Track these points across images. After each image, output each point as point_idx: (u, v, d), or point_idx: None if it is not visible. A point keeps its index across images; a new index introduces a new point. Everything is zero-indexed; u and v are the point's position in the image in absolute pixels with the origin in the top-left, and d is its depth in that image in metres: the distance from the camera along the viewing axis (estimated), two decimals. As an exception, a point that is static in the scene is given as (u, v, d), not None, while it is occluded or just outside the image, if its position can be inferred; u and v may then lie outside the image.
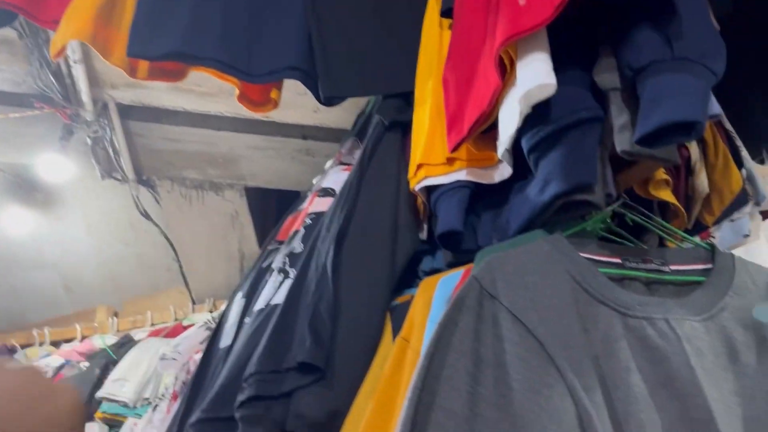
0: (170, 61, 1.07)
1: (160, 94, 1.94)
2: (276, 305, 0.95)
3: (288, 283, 0.96)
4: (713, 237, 1.00)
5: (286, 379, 0.80)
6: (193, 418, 0.86)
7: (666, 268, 0.74)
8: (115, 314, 3.13)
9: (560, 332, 0.64)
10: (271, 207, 2.85)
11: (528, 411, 0.58)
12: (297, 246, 1.06)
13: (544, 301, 0.66)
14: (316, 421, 0.77)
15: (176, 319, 2.92)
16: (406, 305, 0.86)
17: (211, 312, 2.71)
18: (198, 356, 1.40)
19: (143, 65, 1.14)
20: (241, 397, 0.80)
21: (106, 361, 2.62)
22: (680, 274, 0.74)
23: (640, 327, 0.66)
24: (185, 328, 2.68)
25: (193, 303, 2.96)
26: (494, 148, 0.81)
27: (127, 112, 2.13)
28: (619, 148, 0.68)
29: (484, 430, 0.58)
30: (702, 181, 0.89)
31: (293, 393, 0.80)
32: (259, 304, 1.01)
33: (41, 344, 3.03)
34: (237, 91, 1.17)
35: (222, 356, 1.03)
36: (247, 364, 0.87)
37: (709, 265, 0.75)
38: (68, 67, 1.83)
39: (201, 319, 2.71)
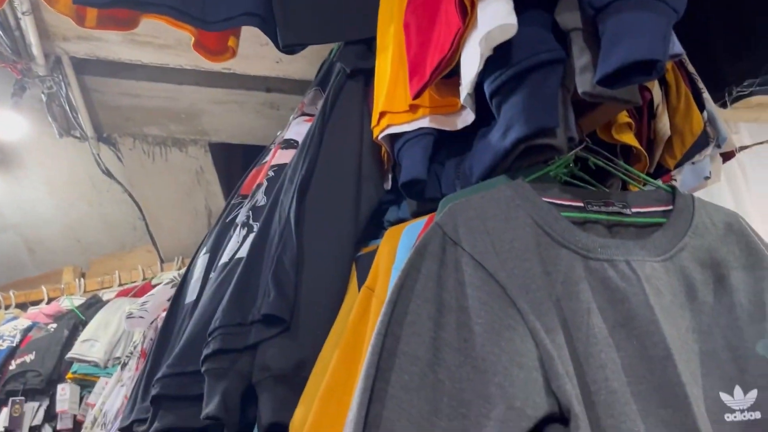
0: (118, 7, 1.02)
1: (115, 46, 1.86)
2: (240, 259, 0.94)
3: (252, 236, 0.95)
4: (675, 180, 1.00)
5: (251, 332, 0.80)
6: (159, 374, 0.86)
7: (627, 211, 0.75)
8: (82, 275, 3.09)
9: (522, 276, 0.64)
10: (236, 162, 2.80)
11: (489, 353, 0.58)
12: (260, 199, 1.05)
13: (506, 246, 0.66)
14: (282, 372, 0.77)
15: (145, 279, 2.89)
16: (372, 255, 0.86)
17: (180, 270, 2.69)
18: (164, 315, 1.39)
19: (91, 13, 1.09)
20: (206, 351, 0.79)
21: (74, 322, 2.60)
22: (641, 216, 0.75)
23: (601, 269, 0.67)
24: (154, 287, 2.65)
25: (162, 261, 2.93)
26: (457, 94, 0.79)
27: (82, 66, 2.04)
28: (580, 90, 0.67)
29: (446, 374, 0.59)
30: (664, 123, 0.89)
31: (258, 345, 0.79)
32: (224, 258, 1.00)
33: (7, 307, 2.99)
34: (192, 39, 1.13)
35: (187, 312, 1.02)
36: (212, 318, 0.86)
37: (669, 207, 0.76)
38: (16, 19, 1.74)
39: (169, 278, 2.68)
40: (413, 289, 0.64)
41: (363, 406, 0.56)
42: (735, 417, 0.63)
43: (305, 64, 1.94)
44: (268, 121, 2.36)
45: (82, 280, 2.99)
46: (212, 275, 1.02)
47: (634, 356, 0.62)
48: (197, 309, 0.97)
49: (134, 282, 2.91)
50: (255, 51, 1.85)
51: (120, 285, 2.90)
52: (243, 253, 0.95)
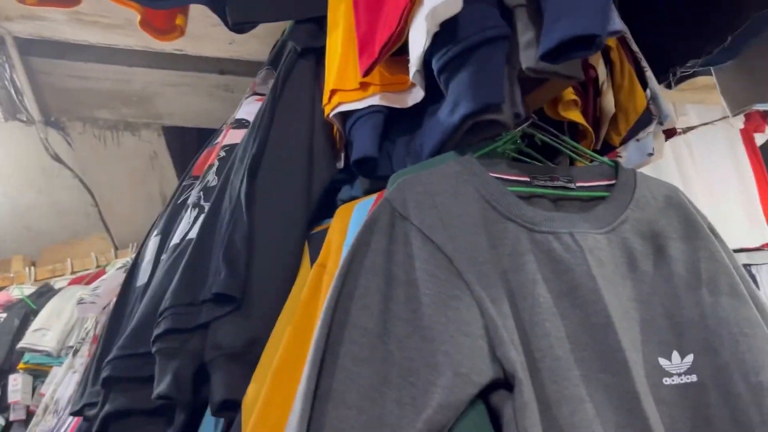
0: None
1: (60, 26, 1.80)
2: (191, 240, 0.93)
3: (203, 217, 0.94)
4: (620, 157, 1.03)
5: (202, 311, 0.79)
6: (110, 356, 0.84)
7: (572, 185, 0.77)
8: (32, 264, 3.01)
9: (468, 249, 0.65)
10: (190, 146, 2.75)
11: (436, 323, 0.59)
12: (211, 180, 1.03)
13: (453, 220, 0.67)
14: (234, 350, 0.77)
15: (98, 266, 2.84)
16: (324, 234, 0.86)
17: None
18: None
19: (33, -10, 1.05)
20: (157, 331, 0.79)
21: (25, 311, 2.54)
22: (585, 191, 0.77)
23: (546, 241, 0.69)
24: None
25: (116, 248, 2.87)
26: (407, 71, 0.80)
27: (27, 47, 1.97)
28: (524, 65, 0.68)
29: (395, 345, 0.59)
30: (609, 101, 0.91)
31: (210, 324, 0.79)
32: (175, 239, 0.98)
33: (-47, 297, 2.89)
34: (138, 17, 1.10)
35: (139, 295, 1.01)
36: (162, 299, 0.85)
37: (612, 181, 0.78)
38: (-45, -2, 1.68)
39: (122, 262, 2.64)
40: (363, 263, 0.65)
41: (312, 379, 0.57)
42: (673, 381, 0.66)
43: (258, 44, 1.91)
44: (222, 104, 2.32)
45: (32, 268, 2.92)
46: (163, 257, 1.01)
47: (578, 324, 0.64)
48: (148, 291, 0.96)
49: (87, 270, 2.85)
50: (207, 32, 1.81)
51: (73, 273, 2.84)
52: (194, 233, 0.94)
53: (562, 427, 0.58)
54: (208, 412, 0.81)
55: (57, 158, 2.55)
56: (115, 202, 2.76)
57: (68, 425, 1.12)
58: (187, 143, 2.69)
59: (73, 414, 0.95)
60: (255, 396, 0.72)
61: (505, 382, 0.58)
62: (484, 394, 0.58)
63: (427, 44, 0.70)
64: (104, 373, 0.84)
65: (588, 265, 0.67)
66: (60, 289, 2.64)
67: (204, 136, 2.64)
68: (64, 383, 1.32)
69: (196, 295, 0.80)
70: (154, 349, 0.78)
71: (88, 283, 2.57)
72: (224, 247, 0.82)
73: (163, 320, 0.79)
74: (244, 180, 0.87)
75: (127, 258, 2.63)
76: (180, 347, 0.77)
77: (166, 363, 0.77)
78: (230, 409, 0.75)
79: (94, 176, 2.66)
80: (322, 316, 0.62)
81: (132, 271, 1.08)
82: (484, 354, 0.58)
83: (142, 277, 1.03)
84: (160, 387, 0.75)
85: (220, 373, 0.75)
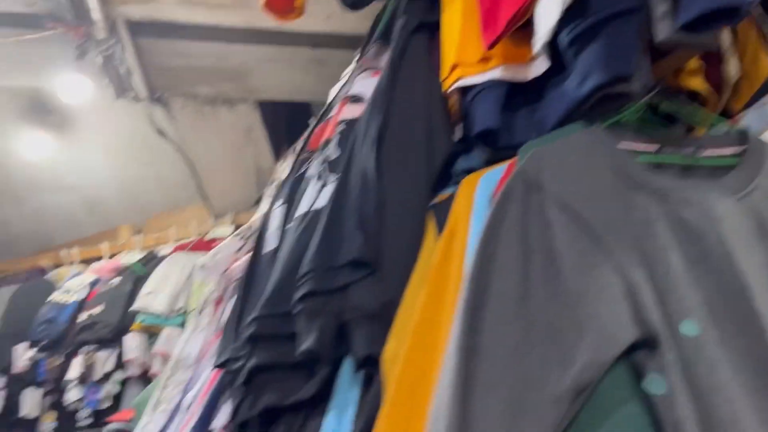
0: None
1: (170, 8, 1.91)
2: (318, 210, 1.00)
3: (329, 188, 1.00)
4: (741, 124, 1.02)
5: (340, 275, 0.86)
6: (253, 315, 0.93)
7: (700, 153, 0.78)
8: (139, 232, 3.21)
9: (604, 216, 0.68)
10: (283, 120, 2.85)
11: (579, 287, 0.63)
12: (332, 153, 1.09)
13: (587, 189, 0.70)
14: (372, 312, 0.83)
15: (198, 234, 2.99)
16: (447, 203, 0.90)
17: (234, 226, 2.79)
18: (236, 264, 1.47)
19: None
20: (299, 293, 0.86)
21: (136, 277, 2.73)
22: (714, 159, 0.78)
23: (677, 209, 0.71)
24: (208, 242, 2.76)
25: (214, 218, 3.03)
26: (529, 44, 0.82)
27: (137, 29, 2.10)
28: (660, 37, 0.70)
29: (537, 308, 0.64)
30: (732, 67, 0.90)
31: (347, 288, 0.85)
32: (301, 209, 1.05)
33: (70, 264, 3.14)
34: (262, 1, 1.17)
35: (268, 260, 1.09)
36: (297, 264, 0.92)
37: (741, 149, 0.78)
38: (75, -17, 1.80)
39: (222, 233, 2.79)
40: (500, 233, 0.69)
41: (464, 335, 0.62)
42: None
43: (353, 19, 1.95)
44: (316, 78, 2.39)
45: (139, 236, 3.11)
46: (290, 225, 1.08)
47: (712, 290, 0.66)
48: (279, 257, 1.03)
49: (188, 238, 3.01)
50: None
51: (175, 241, 3.01)
52: (320, 204, 1.00)
53: (700, 386, 0.60)
54: (345, 367, 0.87)
55: (161, 133, 2.70)
56: (212, 174, 2.90)
57: (206, 377, 1.23)
58: (279, 117, 2.79)
59: (218, 366, 1.04)
60: (394, 352, 0.78)
61: (645, 344, 0.61)
62: (625, 354, 0.61)
63: (560, 17, 0.73)
64: (249, 331, 0.92)
65: (719, 232, 0.69)
66: (164, 256, 2.81)
67: (295, 110, 2.74)
68: (191, 341, 1.44)
69: (333, 261, 0.86)
70: (297, 310, 0.86)
71: (191, 250, 2.73)
72: (358, 217, 0.87)
73: (304, 283, 0.86)
74: (372, 154, 0.93)
75: (228, 227, 2.77)
76: (322, 308, 0.84)
77: (310, 322, 0.84)
78: (370, 364, 0.81)
79: (194, 149, 2.80)
80: (465, 285, 0.66)
81: (260, 238, 1.16)
82: (628, 316, 0.61)
83: (270, 244, 1.11)
84: (307, 343, 0.82)
85: (360, 332, 0.82)
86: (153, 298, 2.53)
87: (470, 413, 0.58)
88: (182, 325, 2.42)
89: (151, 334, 2.53)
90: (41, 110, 2.68)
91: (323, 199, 1.00)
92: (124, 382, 2.57)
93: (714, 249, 0.68)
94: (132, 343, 2.49)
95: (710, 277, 0.67)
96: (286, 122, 2.83)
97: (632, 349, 0.61)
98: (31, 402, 2.64)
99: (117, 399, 2.54)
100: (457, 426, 0.57)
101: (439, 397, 0.62)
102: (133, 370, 2.52)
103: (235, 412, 0.98)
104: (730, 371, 0.62)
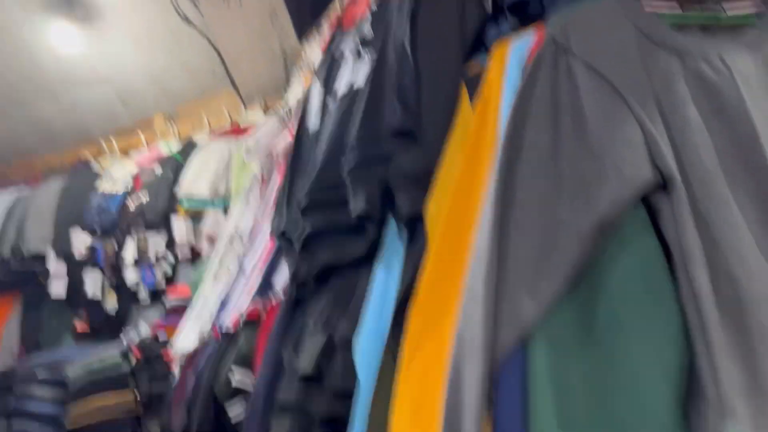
0: None
1: None
2: (358, 89, 1.07)
3: (367, 65, 1.07)
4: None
5: (383, 145, 0.94)
6: (306, 189, 1.03)
7: (722, 13, 0.82)
8: (171, 121, 3.29)
9: (627, 74, 0.74)
10: (306, 2, 2.82)
11: (603, 139, 0.71)
12: (367, 31, 1.14)
13: (612, 49, 0.76)
14: (414, 175, 0.92)
15: (231, 121, 3.06)
16: (478, 78, 0.96)
17: (264, 110, 2.85)
18: (279, 145, 1.56)
19: None
20: (349, 164, 0.95)
21: (176, 164, 2.85)
22: (735, 18, 0.82)
23: (697, 65, 0.76)
24: (241, 128, 2.85)
25: (244, 104, 3.08)
26: None
27: None
28: None
29: (566, 161, 0.72)
30: None
31: (391, 156, 0.94)
32: (342, 89, 1.12)
33: (111, 154, 3.27)
34: None
35: (313, 138, 1.18)
36: (342, 140, 1.01)
37: (762, 9, 0.82)
38: None
39: (254, 118, 2.86)
40: (532, 94, 0.76)
41: (500, 187, 0.71)
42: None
43: None
44: (338, -45, 2.35)
45: (173, 125, 3.19)
46: (331, 105, 1.15)
47: (726, 139, 0.73)
48: (324, 132, 1.12)
49: (222, 125, 3.08)
50: None
51: (210, 129, 3.09)
52: (360, 82, 1.07)
53: (708, 221, 0.69)
54: (390, 227, 0.98)
55: (186, 19, 2.71)
56: (239, 60, 2.93)
57: (263, 247, 1.36)
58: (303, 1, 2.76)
59: (277, 236, 1.16)
60: (436, 210, 0.88)
61: (661, 187, 0.70)
62: (644, 199, 0.70)
63: None
64: (304, 203, 1.02)
65: (736, 86, 0.75)
66: (202, 144, 2.90)
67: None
68: (244, 219, 1.56)
69: (378, 132, 0.94)
70: (348, 179, 0.95)
71: (227, 135, 2.82)
72: (397, 90, 0.94)
73: (352, 155, 0.95)
74: (407, 28, 0.98)
75: (259, 112, 2.84)
76: (369, 174, 0.94)
77: (360, 187, 0.94)
78: (412, 223, 0.92)
79: (219, 35, 2.81)
80: (501, 143, 0.75)
81: (302, 120, 1.24)
82: (646, 161, 0.69)
83: (313, 123, 1.19)
84: (358, 206, 0.92)
85: (404, 194, 0.91)
86: (195, 183, 2.65)
87: (506, 250, 0.68)
88: (225, 208, 2.55)
89: (196, 218, 2.67)
90: (67, 3, 2.70)
91: (362, 77, 1.07)
92: (174, 266, 2.75)
93: (730, 102, 0.74)
94: (179, 226, 2.65)
95: (725, 127, 0.74)
96: (311, 3, 2.80)
97: (649, 193, 0.70)
98: (93, 284, 2.87)
99: (169, 281, 2.74)
100: (496, 260, 0.67)
101: (480, 241, 0.72)
102: (183, 252, 2.70)
103: (295, 274, 1.11)
104: (737, 209, 0.70)
